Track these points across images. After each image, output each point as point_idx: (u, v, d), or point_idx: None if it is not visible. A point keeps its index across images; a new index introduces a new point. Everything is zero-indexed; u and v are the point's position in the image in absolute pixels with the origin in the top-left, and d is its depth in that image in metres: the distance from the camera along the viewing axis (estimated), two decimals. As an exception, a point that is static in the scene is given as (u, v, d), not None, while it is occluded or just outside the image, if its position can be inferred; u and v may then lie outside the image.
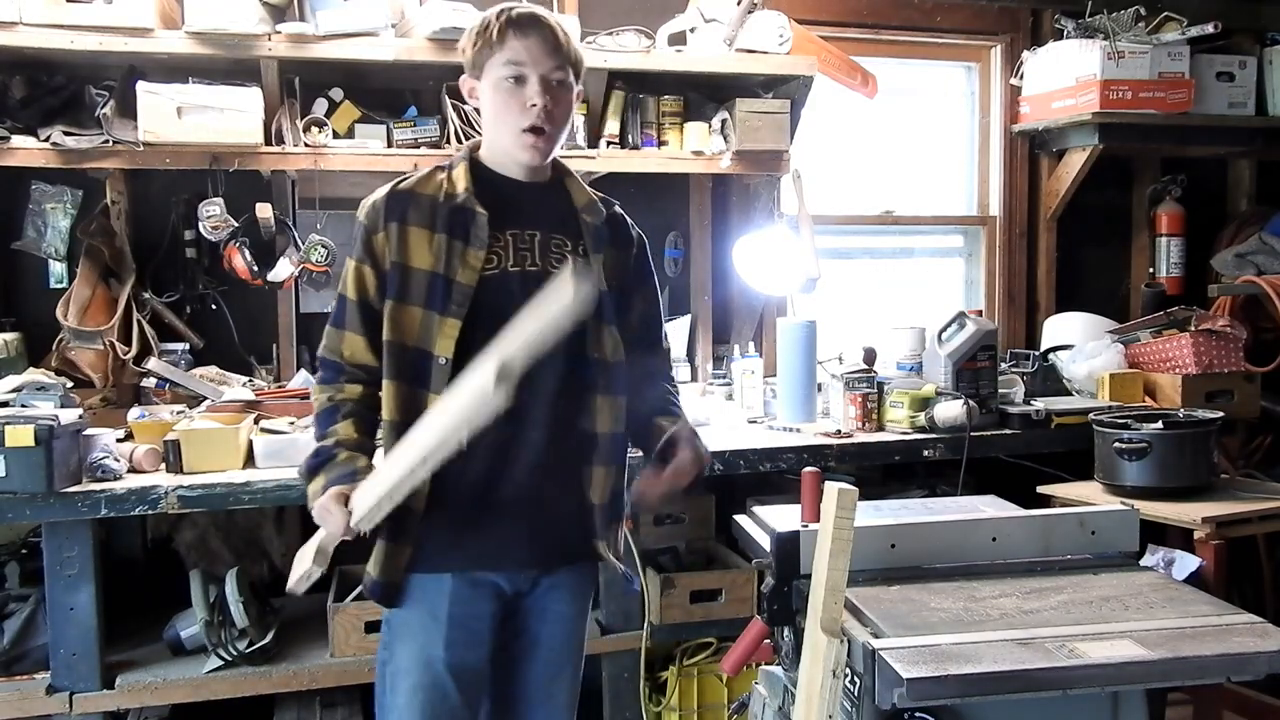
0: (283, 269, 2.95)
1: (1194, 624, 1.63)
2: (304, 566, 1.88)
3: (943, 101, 4.00)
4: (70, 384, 2.77)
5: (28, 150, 2.72)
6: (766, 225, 3.44)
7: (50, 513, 2.36)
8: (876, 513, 2.09)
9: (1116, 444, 2.77)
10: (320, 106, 2.98)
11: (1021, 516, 2.01)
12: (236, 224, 2.89)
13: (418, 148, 2.98)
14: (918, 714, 1.54)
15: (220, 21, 2.72)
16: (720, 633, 2.87)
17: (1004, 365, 3.44)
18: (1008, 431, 3.13)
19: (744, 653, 1.97)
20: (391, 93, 3.13)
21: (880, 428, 3.12)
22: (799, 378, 3.19)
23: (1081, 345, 3.56)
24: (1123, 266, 4.14)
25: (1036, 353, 3.63)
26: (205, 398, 2.86)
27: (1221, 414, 2.87)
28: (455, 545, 1.83)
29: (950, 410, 2.99)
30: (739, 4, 3.16)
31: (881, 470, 3.36)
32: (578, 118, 3.10)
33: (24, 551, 2.72)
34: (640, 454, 1.97)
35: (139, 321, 2.97)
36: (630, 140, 3.19)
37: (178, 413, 2.78)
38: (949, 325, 3.21)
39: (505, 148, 1.86)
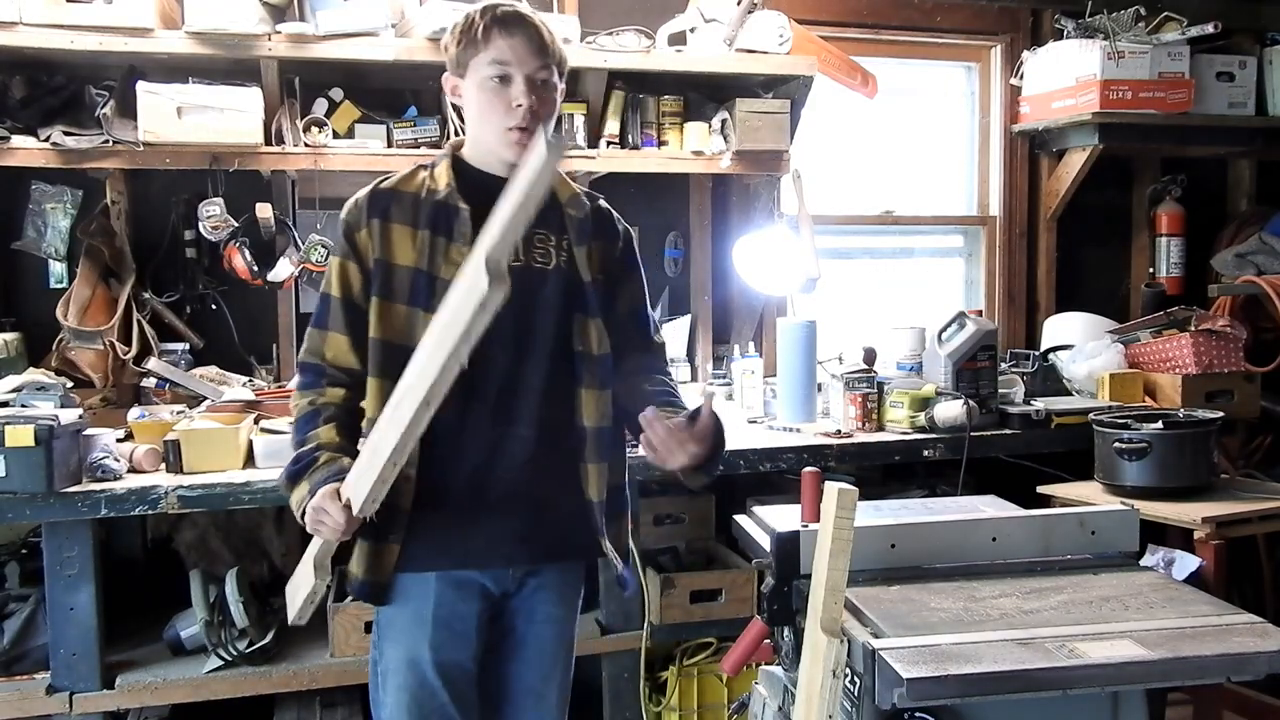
0: (283, 269, 2.95)
1: (1194, 624, 1.63)
2: (305, 590, 1.86)
3: (943, 101, 4.00)
4: (70, 384, 2.77)
5: (28, 150, 2.72)
6: (766, 225, 3.44)
7: (50, 513, 2.36)
8: (876, 513, 2.09)
9: (1116, 444, 2.77)
10: (320, 106, 2.98)
11: (1021, 516, 2.01)
12: (236, 224, 2.89)
13: (418, 148, 2.98)
14: (918, 714, 1.54)
15: (220, 21, 2.72)
16: (720, 633, 2.87)
17: (1004, 365, 3.44)
18: (1008, 431, 3.13)
19: (744, 653, 1.97)
20: (391, 93, 3.13)
21: (880, 428, 3.12)
22: (799, 378, 3.19)
23: (1081, 345, 3.56)
24: (1123, 266, 4.14)
25: (1036, 353, 3.63)
26: (205, 398, 2.86)
27: (1221, 414, 2.87)
28: (442, 544, 1.81)
29: (950, 410, 2.99)
30: (739, 4, 3.16)
31: (881, 470, 3.36)
32: (578, 118, 3.10)
33: (24, 551, 2.72)
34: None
35: (139, 321, 2.97)
36: (630, 140, 3.19)
37: (178, 413, 2.78)
38: (949, 325, 3.21)
39: (490, 146, 1.85)
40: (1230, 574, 2.76)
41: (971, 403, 2.99)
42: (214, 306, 3.10)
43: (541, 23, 1.84)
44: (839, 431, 3.04)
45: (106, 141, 2.74)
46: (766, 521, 2.00)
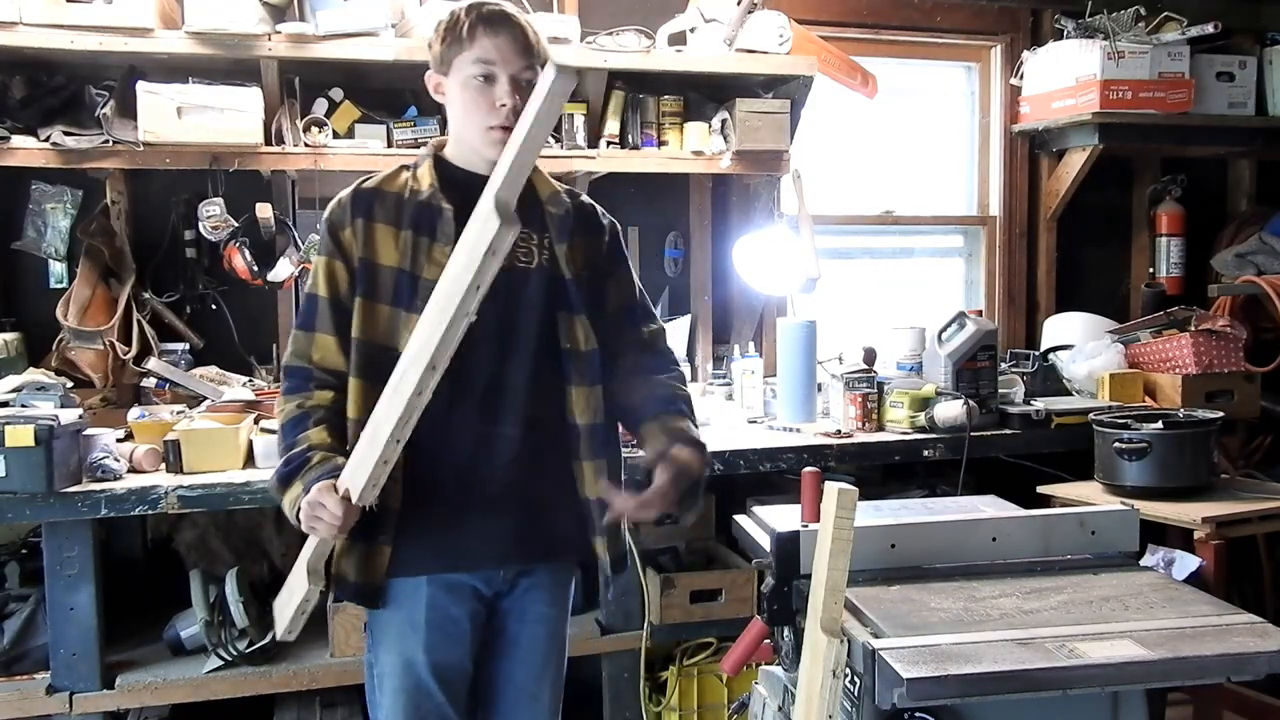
0: (283, 269, 2.95)
1: (1194, 624, 1.62)
2: (297, 599, 1.86)
3: (943, 101, 4.00)
4: (70, 384, 2.77)
5: (28, 150, 2.72)
6: (766, 225, 3.44)
7: (50, 513, 2.36)
8: (876, 513, 2.09)
9: (1116, 444, 2.77)
10: (320, 106, 2.98)
11: (1021, 516, 2.01)
12: (236, 224, 2.89)
13: (418, 148, 2.96)
14: (918, 714, 1.54)
15: (220, 21, 2.72)
16: (720, 633, 2.87)
17: (1004, 365, 3.44)
18: (1008, 431, 3.13)
19: (744, 653, 1.97)
20: (391, 93, 3.13)
21: (880, 428, 3.12)
22: (799, 378, 3.19)
23: (1081, 345, 3.56)
24: (1123, 266, 4.14)
25: (1036, 353, 3.63)
26: (205, 398, 2.86)
27: (1221, 414, 2.87)
28: (432, 547, 1.81)
29: (950, 410, 2.99)
30: (739, 4, 3.16)
31: (881, 470, 3.36)
32: (578, 118, 3.10)
33: (24, 551, 2.72)
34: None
35: (139, 321, 2.97)
36: (630, 140, 3.19)
37: (178, 413, 2.78)
38: (949, 325, 3.21)
39: (473, 145, 1.84)
40: (1230, 574, 2.76)
41: (971, 403, 2.99)
42: (214, 306, 3.10)
43: (527, 22, 1.83)
44: (839, 431, 3.04)
45: (106, 141, 2.74)
46: (766, 521, 2.00)
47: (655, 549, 3.01)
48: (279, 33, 2.80)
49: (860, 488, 1.62)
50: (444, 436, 1.78)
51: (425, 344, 1.62)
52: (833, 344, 3.49)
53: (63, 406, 2.55)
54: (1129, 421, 2.82)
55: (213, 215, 2.86)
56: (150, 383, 2.94)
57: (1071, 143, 3.76)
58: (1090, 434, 2.88)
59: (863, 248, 3.93)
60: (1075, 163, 3.76)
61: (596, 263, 1.93)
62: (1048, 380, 3.53)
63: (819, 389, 3.27)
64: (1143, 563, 2.02)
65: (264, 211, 2.93)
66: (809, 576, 1.67)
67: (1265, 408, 3.53)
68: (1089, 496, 2.79)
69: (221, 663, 2.57)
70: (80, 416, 2.49)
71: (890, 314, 3.73)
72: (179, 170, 2.83)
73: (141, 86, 2.72)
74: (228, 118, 2.75)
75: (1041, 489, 2.94)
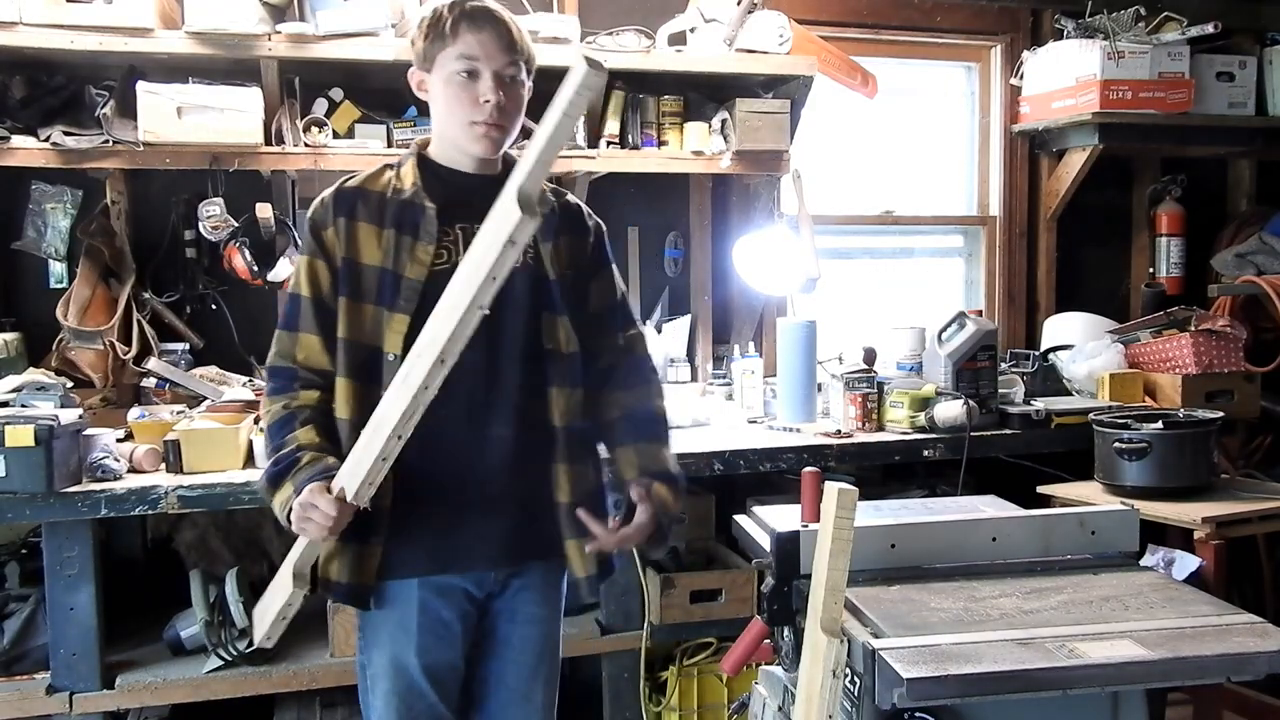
0: (283, 269, 2.95)
1: (1194, 624, 1.63)
2: (280, 602, 1.86)
3: (943, 101, 4.00)
4: (70, 384, 2.77)
5: (28, 150, 2.72)
6: (766, 225, 3.44)
7: (50, 513, 2.36)
8: (876, 513, 2.09)
9: (1116, 444, 2.77)
10: (320, 106, 2.98)
11: (1021, 516, 2.01)
12: (236, 224, 2.89)
13: (418, 148, 2.97)
14: (918, 714, 1.54)
15: (220, 21, 2.72)
16: (720, 633, 2.87)
17: (1004, 365, 3.44)
18: (1008, 431, 3.13)
19: (744, 653, 1.97)
20: (391, 93, 3.12)
21: (880, 428, 3.12)
22: (799, 378, 3.19)
23: (1081, 345, 3.56)
24: (1123, 266, 4.14)
25: (1036, 353, 3.63)
26: (205, 398, 2.86)
27: (1221, 414, 2.87)
28: (423, 549, 1.80)
29: (950, 410, 2.99)
30: (739, 4, 3.16)
31: (881, 470, 3.36)
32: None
33: (24, 551, 2.72)
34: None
35: (139, 321, 2.97)
36: (630, 140, 3.19)
37: (178, 413, 2.78)
38: (949, 325, 3.21)
39: (456, 142, 1.83)
40: (1230, 574, 2.76)
41: (971, 403, 2.99)
42: (214, 306, 3.09)
43: (510, 19, 1.82)
44: (839, 431, 3.04)
45: (106, 141, 2.74)
46: (766, 521, 2.00)
47: (655, 549, 3.01)
48: (279, 33, 2.80)
49: (860, 488, 1.62)
50: (435, 439, 1.76)
51: (436, 337, 1.62)
52: (833, 344, 3.49)
53: (63, 406, 2.55)
54: (1129, 421, 2.82)
55: (213, 215, 2.86)
56: (150, 383, 2.93)
57: (1071, 143, 3.76)
58: (1090, 434, 2.88)
59: (863, 248, 3.93)
60: (1075, 163, 3.76)
61: (581, 264, 1.92)
62: (1048, 380, 3.53)
63: (819, 389, 3.27)
64: (1143, 563, 2.02)
65: (264, 211, 2.92)
66: (809, 576, 1.67)
67: (1265, 408, 3.53)
68: (1089, 496, 2.79)
69: (221, 663, 2.56)
70: (80, 416, 2.49)
71: (890, 314, 3.73)
72: (179, 170, 2.83)
73: (141, 86, 2.72)
74: (228, 118, 2.75)
75: (1041, 489, 2.94)
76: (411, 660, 1.82)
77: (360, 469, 1.68)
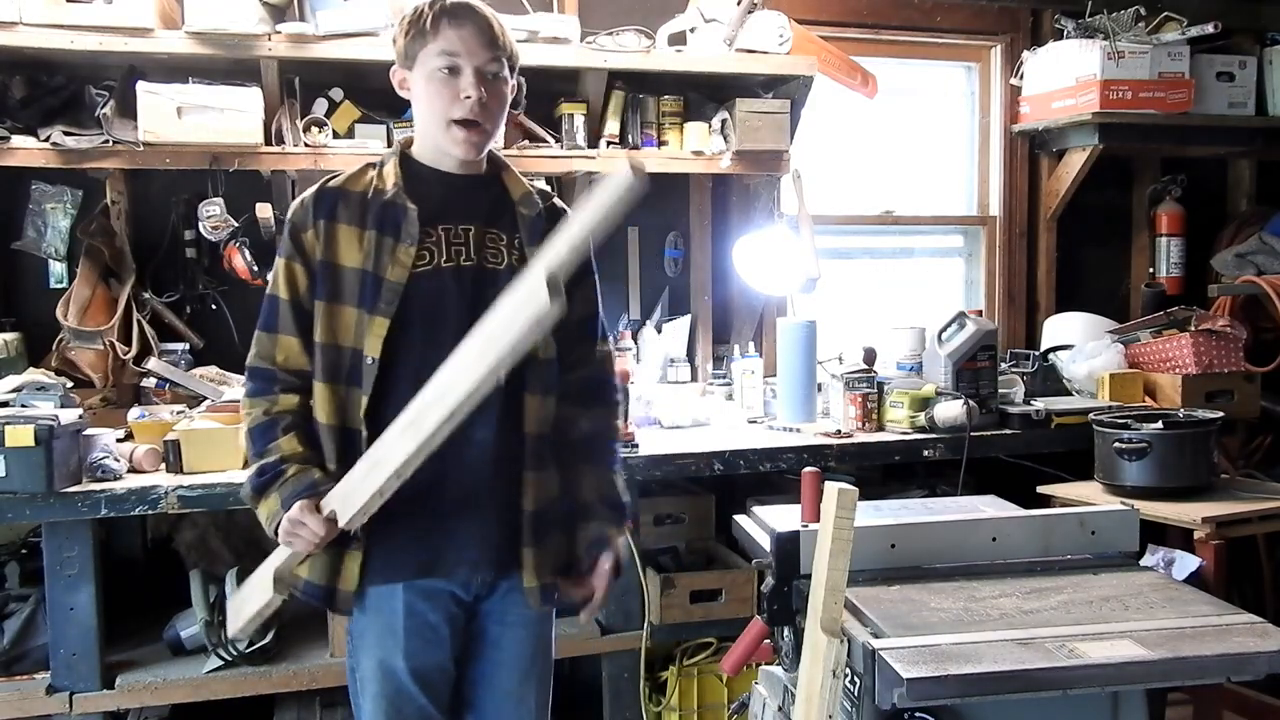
0: (283, 269, 2.95)
1: (1194, 624, 1.63)
2: (258, 603, 1.85)
3: (943, 101, 4.00)
4: (70, 384, 2.77)
5: (28, 150, 2.72)
6: (766, 225, 3.44)
7: (50, 513, 2.36)
8: (876, 513, 2.09)
9: (1116, 444, 2.77)
10: (320, 106, 2.98)
11: (1021, 516, 2.01)
12: (236, 224, 2.89)
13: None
14: (918, 714, 1.54)
15: (220, 21, 2.73)
16: (720, 633, 2.87)
17: (1004, 365, 3.44)
18: (1008, 431, 3.13)
19: (744, 653, 1.97)
20: (391, 93, 3.07)
21: (880, 428, 3.13)
22: (799, 378, 3.19)
23: (1081, 345, 3.56)
24: (1123, 266, 4.14)
25: (1036, 353, 3.63)
26: (205, 398, 2.86)
27: (1221, 414, 2.87)
28: (406, 554, 1.78)
29: (950, 410, 2.99)
30: (739, 4, 3.16)
31: (881, 470, 3.36)
32: (578, 118, 3.10)
33: (24, 551, 2.72)
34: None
35: (139, 321, 2.97)
36: (630, 140, 3.19)
37: (178, 413, 2.78)
38: (949, 325, 3.22)
39: (436, 140, 1.82)
40: (1230, 574, 2.76)
41: (971, 403, 2.99)
42: (214, 306, 3.10)
43: (493, 15, 1.81)
44: (839, 431, 3.04)
45: (106, 141, 2.74)
46: (766, 521, 2.00)
47: (655, 549, 3.02)
48: (279, 33, 2.80)
49: (860, 488, 1.62)
50: None
51: (449, 391, 1.61)
52: (833, 344, 3.49)
53: (63, 406, 2.55)
54: (1129, 421, 2.82)
55: (213, 215, 2.86)
56: (150, 383, 2.94)
57: (1071, 143, 3.76)
58: (1090, 434, 2.88)
59: (863, 248, 3.93)
60: (1075, 163, 3.76)
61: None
62: (1048, 380, 3.53)
63: (819, 389, 3.27)
64: (1143, 563, 2.03)
65: (264, 211, 2.92)
66: (809, 576, 1.67)
67: (1265, 408, 3.53)
68: (1089, 496, 2.79)
69: (221, 663, 2.57)
70: (80, 416, 2.49)
71: (890, 314, 3.73)
72: (179, 170, 2.83)
73: (141, 86, 2.72)
74: (228, 118, 2.75)
75: (1041, 489, 2.94)
76: (399, 663, 1.81)
77: (355, 499, 1.69)
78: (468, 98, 1.76)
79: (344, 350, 1.77)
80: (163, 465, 2.56)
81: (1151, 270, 4.06)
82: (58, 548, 2.42)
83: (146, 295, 3.03)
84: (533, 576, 1.83)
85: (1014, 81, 3.87)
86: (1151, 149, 3.93)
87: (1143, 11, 3.69)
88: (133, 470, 2.53)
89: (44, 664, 2.49)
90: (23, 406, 2.52)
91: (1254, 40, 3.92)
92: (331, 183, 1.83)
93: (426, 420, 1.62)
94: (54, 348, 2.90)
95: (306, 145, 2.87)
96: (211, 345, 3.12)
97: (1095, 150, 3.67)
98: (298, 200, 1.84)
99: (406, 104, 3.05)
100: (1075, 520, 1.94)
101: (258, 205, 2.92)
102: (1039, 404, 3.21)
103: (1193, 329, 3.46)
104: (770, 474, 2.96)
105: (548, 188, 2.90)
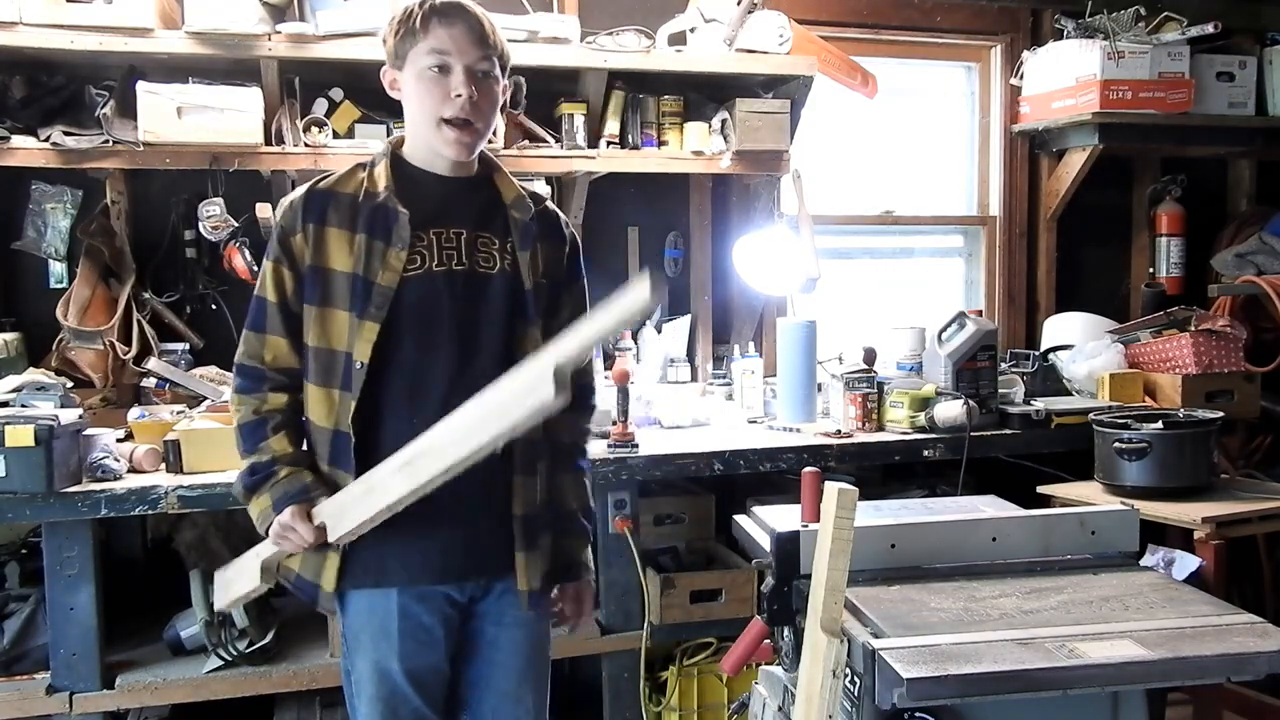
0: (283, 269, 2.95)
1: (1194, 624, 1.63)
2: (244, 588, 1.91)
3: (943, 101, 4.00)
4: (70, 384, 2.77)
5: (28, 150, 2.72)
6: (766, 225, 3.44)
7: (50, 513, 2.36)
8: (876, 513, 2.09)
9: (1116, 444, 2.77)
10: (320, 106, 2.98)
11: (1021, 516, 2.01)
12: (236, 224, 2.89)
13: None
14: (918, 714, 1.54)
15: (220, 21, 2.72)
16: (720, 633, 2.86)
17: (1004, 365, 3.44)
18: (1008, 431, 3.13)
19: (744, 653, 1.97)
20: (391, 93, 3.12)
21: (880, 428, 3.12)
22: (799, 378, 3.19)
23: (1081, 345, 3.56)
24: (1123, 266, 4.14)
25: (1036, 353, 3.63)
26: (205, 398, 2.86)
27: (1221, 414, 2.87)
28: (397, 559, 1.78)
29: (950, 410, 2.99)
30: (739, 4, 3.16)
31: (881, 470, 3.36)
32: (578, 118, 3.10)
33: (24, 551, 2.71)
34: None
35: (139, 321, 2.97)
36: (630, 140, 3.19)
37: (178, 413, 2.78)
38: (949, 325, 3.22)
39: (427, 140, 1.81)
40: (1230, 574, 2.76)
41: (971, 403, 2.99)
42: (214, 306, 3.10)
43: (483, 14, 1.80)
44: (839, 431, 3.04)
45: (106, 141, 2.74)
46: (766, 521, 2.00)
47: (655, 549, 3.02)
48: (279, 33, 2.80)
49: (860, 488, 1.62)
50: (406, 445, 1.72)
51: (447, 448, 1.63)
52: (833, 344, 3.49)
53: (63, 406, 2.55)
54: (1129, 421, 2.82)
55: (213, 215, 2.86)
56: (150, 383, 2.94)
57: (1071, 143, 3.76)
58: (1090, 434, 2.88)
59: (863, 248, 3.93)
60: (1075, 163, 3.76)
61: (555, 273, 1.90)
62: (1048, 380, 3.53)
63: (819, 389, 3.27)
64: (1143, 563, 2.02)
65: (264, 211, 2.92)
66: (809, 576, 1.67)
67: (1265, 408, 3.53)
68: (1089, 496, 2.79)
69: (221, 663, 2.57)
70: (80, 416, 2.49)
71: (890, 314, 3.73)
72: (179, 170, 2.83)
73: (141, 86, 2.72)
74: (228, 118, 2.75)
75: (1041, 489, 2.94)
76: (394, 666, 1.81)
77: (347, 520, 1.71)
78: (458, 96, 1.75)
79: (336, 354, 1.77)
80: (163, 465, 2.56)
81: (1151, 270, 4.06)
82: (58, 548, 2.42)
83: (146, 295, 3.03)
84: (525, 580, 1.84)
85: (1014, 81, 3.87)
86: (1151, 149, 3.93)
87: (1143, 11, 3.69)
88: (133, 470, 2.53)
89: (44, 664, 2.49)
90: (23, 406, 2.52)
91: (1254, 40, 3.92)
92: (321, 184, 1.82)
93: (422, 469, 1.65)
94: (54, 348, 2.90)
95: (306, 145, 2.87)
96: (211, 345, 3.12)
97: (1095, 150, 3.67)
98: (286, 201, 1.83)
99: (406, 104, 3.09)
100: (1075, 520, 1.94)
101: (258, 205, 2.92)
102: (1039, 404, 3.21)
103: (1193, 329, 3.46)
104: (770, 474, 2.96)
105: (547, 188, 2.90)
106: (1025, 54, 3.83)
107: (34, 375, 2.73)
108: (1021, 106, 3.88)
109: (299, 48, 2.82)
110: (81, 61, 2.84)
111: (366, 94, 3.05)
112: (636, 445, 2.79)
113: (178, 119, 2.72)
